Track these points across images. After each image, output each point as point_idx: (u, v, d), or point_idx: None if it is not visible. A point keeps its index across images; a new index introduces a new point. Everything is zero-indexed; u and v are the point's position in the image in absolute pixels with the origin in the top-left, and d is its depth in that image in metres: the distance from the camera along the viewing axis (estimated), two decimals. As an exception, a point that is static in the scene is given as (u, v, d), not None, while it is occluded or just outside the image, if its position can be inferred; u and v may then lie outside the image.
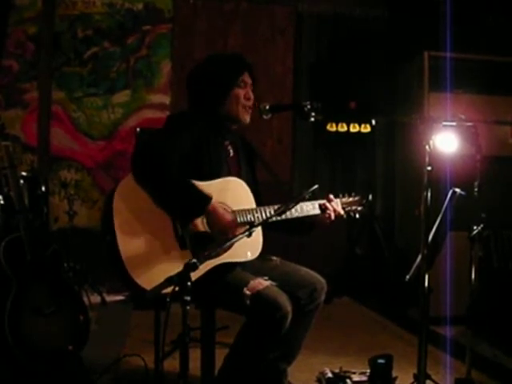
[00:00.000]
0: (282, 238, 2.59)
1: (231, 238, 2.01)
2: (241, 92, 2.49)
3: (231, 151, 2.57)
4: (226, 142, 2.56)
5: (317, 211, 2.54)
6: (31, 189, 3.81)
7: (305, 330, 2.56)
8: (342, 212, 2.60)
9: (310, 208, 2.52)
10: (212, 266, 2.27)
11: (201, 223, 2.31)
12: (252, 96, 2.53)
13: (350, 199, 2.68)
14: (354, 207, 2.68)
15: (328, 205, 2.55)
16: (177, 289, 1.75)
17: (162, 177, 2.26)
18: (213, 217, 2.29)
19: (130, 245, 2.21)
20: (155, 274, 2.13)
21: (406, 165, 4.93)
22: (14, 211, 2.84)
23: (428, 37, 4.64)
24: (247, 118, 2.53)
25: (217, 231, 2.31)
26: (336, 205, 2.58)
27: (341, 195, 2.66)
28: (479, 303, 2.78)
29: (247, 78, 2.52)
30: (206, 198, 2.28)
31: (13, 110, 5.06)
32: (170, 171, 2.27)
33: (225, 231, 2.30)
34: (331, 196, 2.60)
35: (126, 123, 5.24)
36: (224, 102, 2.48)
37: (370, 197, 2.76)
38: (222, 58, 2.63)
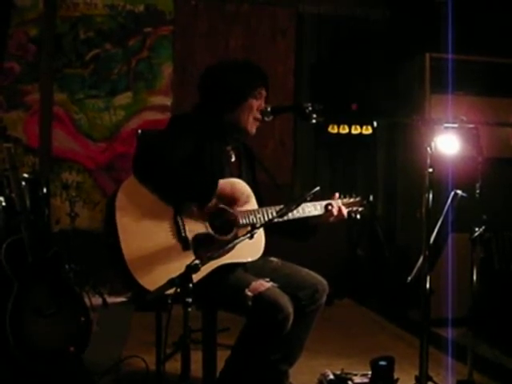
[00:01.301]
0: (282, 239, 2.58)
1: (233, 240, 2.01)
2: (255, 103, 2.50)
3: (233, 156, 2.58)
4: (228, 148, 2.57)
5: (318, 212, 2.54)
6: (33, 190, 3.81)
7: (306, 332, 2.56)
8: (345, 211, 2.59)
9: (311, 209, 2.52)
10: (214, 267, 2.27)
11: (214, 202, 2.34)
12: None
13: (351, 200, 2.67)
14: (354, 208, 2.67)
15: (333, 202, 2.55)
16: (178, 290, 1.75)
17: (166, 169, 2.26)
18: (224, 194, 2.32)
19: (132, 246, 2.21)
20: (158, 275, 2.13)
21: (407, 166, 4.92)
22: (15, 213, 2.85)
23: (429, 38, 4.64)
24: (254, 130, 2.53)
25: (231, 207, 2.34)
26: (338, 203, 2.59)
27: (342, 196, 2.66)
28: (480, 305, 2.77)
29: (264, 92, 2.54)
30: (214, 180, 2.32)
31: (14, 112, 5.06)
32: (172, 165, 2.27)
33: (239, 200, 2.36)
34: (337, 194, 2.60)
35: (128, 125, 5.24)
36: (236, 109, 2.48)
37: (371, 197, 2.75)
38: (245, 66, 2.59)
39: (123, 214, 2.23)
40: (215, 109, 2.49)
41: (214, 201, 2.32)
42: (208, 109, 2.51)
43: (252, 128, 2.52)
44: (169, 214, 2.29)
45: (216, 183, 2.32)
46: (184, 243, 2.28)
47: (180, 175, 2.28)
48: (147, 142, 2.52)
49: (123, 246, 2.20)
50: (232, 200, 2.36)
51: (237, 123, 2.50)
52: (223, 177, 2.43)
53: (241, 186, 2.44)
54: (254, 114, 2.50)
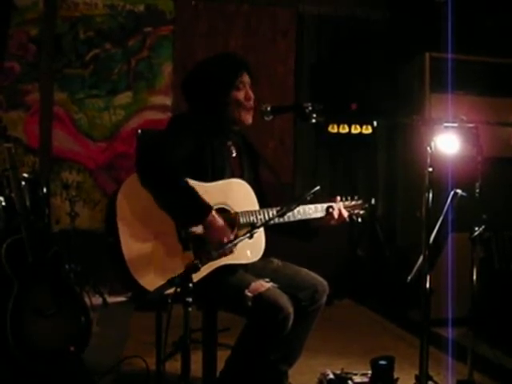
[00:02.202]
0: (283, 239, 2.58)
1: (233, 240, 2.01)
2: (240, 94, 2.47)
3: (234, 151, 2.56)
4: (229, 143, 2.56)
5: (319, 214, 2.54)
6: (33, 190, 3.81)
7: (306, 332, 2.56)
8: (346, 214, 2.59)
9: (312, 211, 2.52)
10: (214, 267, 2.27)
11: (200, 229, 2.31)
12: (252, 95, 2.51)
13: (353, 203, 2.66)
14: (356, 211, 2.67)
15: (334, 205, 2.55)
16: (178, 290, 1.75)
17: (165, 181, 2.25)
18: (210, 227, 2.27)
19: (132, 246, 2.21)
20: (158, 275, 2.14)
21: (407, 166, 4.92)
22: (15, 213, 2.84)
23: (429, 38, 4.64)
24: (249, 119, 2.51)
25: (212, 241, 2.27)
26: (339, 206, 2.59)
27: (343, 198, 2.65)
28: (480, 305, 2.77)
29: (245, 78, 2.50)
30: (206, 208, 2.26)
31: (14, 112, 5.07)
32: (173, 174, 2.26)
33: (219, 243, 2.24)
34: (338, 197, 2.61)
35: (128, 125, 5.25)
36: (225, 105, 2.47)
37: (373, 201, 2.75)
38: (217, 61, 2.54)
39: (124, 214, 2.23)
40: (207, 109, 2.48)
41: (200, 227, 2.28)
42: (202, 108, 2.50)
43: (246, 118, 2.49)
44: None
45: (205, 213, 2.24)
46: (184, 244, 2.28)
47: (173, 196, 2.25)
48: (148, 143, 2.51)
49: (123, 245, 2.19)
50: (216, 238, 2.27)
51: (231, 117, 2.49)
52: (224, 174, 2.43)
53: (241, 187, 2.43)
54: (243, 105, 2.47)
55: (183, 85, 2.55)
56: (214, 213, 2.27)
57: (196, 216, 2.26)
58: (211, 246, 2.25)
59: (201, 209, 2.26)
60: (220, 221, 2.28)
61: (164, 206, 2.26)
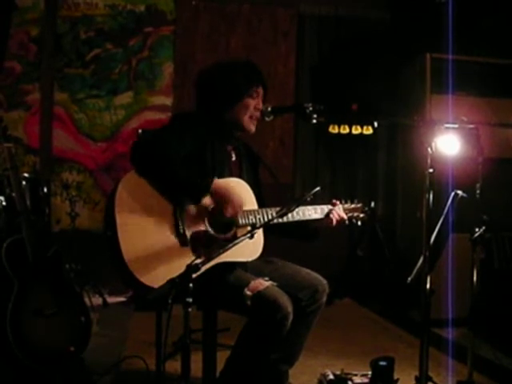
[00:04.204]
0: (284, 239, 2.59)
1: (233, 240, 2.01)
2: (252, 102, 2.50)
3: (233, 156, 2.58)
4: (229, 147, 2.57)
5: (318, 216, 2.55)
6: (33, 190, 3.81)
7: (306, 332, 2.56)
8: (345, 217, 2.61)
9: (311, 212, 2.53)
10: (212, 264, 2.27)
11: (208, 200, 2.32)
12: (262, 107, 2.53)
13: (353, 206, 2.68)
14: (356, 214, 2.68)
15: (335, 209, 2.56)
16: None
17: (162, 159, 2.26)
18: (218, 193, 2.30)
19: (131, 241, 2.21)
20: (155, 270, 2.16)
21: (407, 167, 4.92)
22: (15, 212, 2.84)
23: (430, 38, 4.64)
24: (253, 128, 2.54)
25: (226, 205, 2.30)
26: (339, 210, 2.60)
27: (343, 201, 2.67)
28: (480, 305, 2.77)
29: (260, 90, 2.54)
30: (208, 177, 2.31)
31: (15, 112, 5.07)
32: (169, 155, 2.27)
33: (233, 207, 2.30)
34: (336, 201, 2.61)
35: (128, 125, 5.25)
36: (233, 108, 2.49)
37: (373, 204, 2.76)
38: (239, 65, 2.59)
39: (122, 210, 2.23)
40: (214, 109, 2.50)
41: (207, 199, 2.31)
42: (209, 108, 2.51)
43: (250, 126, 2.52)
44: (168, 210, 2.30)
45: (210, 180, 2.30)
46: (182, 239, 2.28)
47: (175, 166, 2.27)
48: (146, 136, 2.52)
49: (121, 240, 2.20)
50: (226, 200, 2.32)
51: (236, 122, 2.51)
52: (223, 175, 2.43)
53: (240, 185, 2.44)
54: (250, 113, 2.50)
55: (198, 79, 2.56)
56: (216, 179, 2.31)
57: (202, 186, 2.28)
58: (227, 211, 2.29)
59: (204, 179, 2.29)
60: (223, 183, 2.31)
61: (166, 187, 2.27)
